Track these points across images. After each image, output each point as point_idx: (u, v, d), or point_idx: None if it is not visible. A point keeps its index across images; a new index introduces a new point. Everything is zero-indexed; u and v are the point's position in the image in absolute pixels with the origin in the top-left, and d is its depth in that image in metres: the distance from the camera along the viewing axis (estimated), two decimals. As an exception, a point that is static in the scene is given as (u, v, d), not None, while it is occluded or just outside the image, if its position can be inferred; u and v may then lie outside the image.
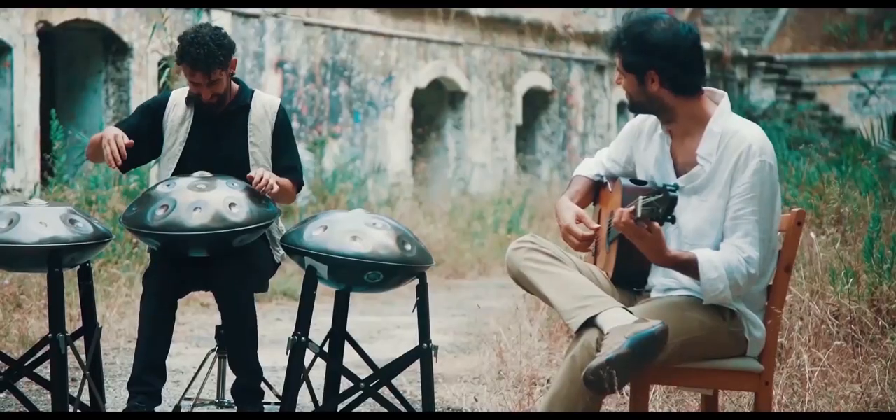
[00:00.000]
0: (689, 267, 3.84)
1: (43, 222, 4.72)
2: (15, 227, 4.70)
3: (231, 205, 4.78)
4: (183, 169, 5.08)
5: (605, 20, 20.77)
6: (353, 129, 15.85)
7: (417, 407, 5.50)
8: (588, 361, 3.70)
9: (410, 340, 8.10)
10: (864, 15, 24.24)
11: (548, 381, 5.99)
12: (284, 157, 5.22)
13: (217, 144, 5.15)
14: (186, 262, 4.94)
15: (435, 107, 17.94)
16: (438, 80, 17.37)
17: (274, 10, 14.54)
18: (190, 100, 5.19)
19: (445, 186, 17.20)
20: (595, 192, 4.33)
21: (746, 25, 25.15)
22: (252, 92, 5.24)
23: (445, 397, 6.08)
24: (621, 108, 21.08)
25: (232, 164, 5.08)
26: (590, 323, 3.78)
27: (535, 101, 19.43)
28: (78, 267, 4.98)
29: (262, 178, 4.91)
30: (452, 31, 17.34)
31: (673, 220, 3.68)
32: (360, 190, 14.38)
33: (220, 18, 13.42)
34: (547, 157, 19.57)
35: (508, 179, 18.01)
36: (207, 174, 4.95)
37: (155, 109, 5.23)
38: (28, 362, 4.94)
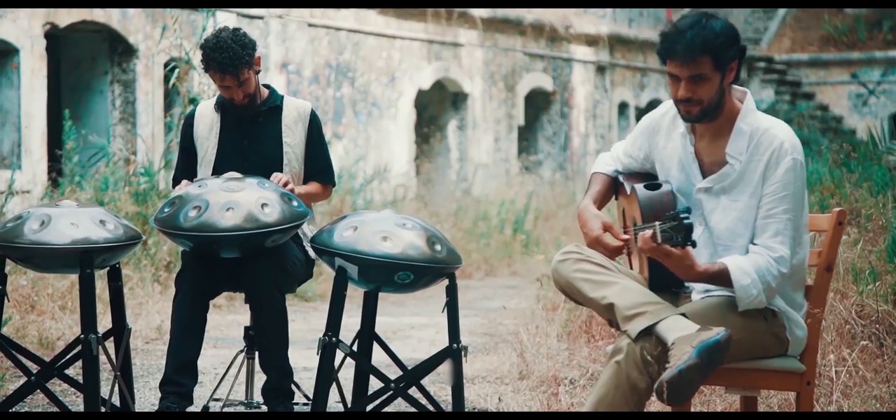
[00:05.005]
0: (720, 277, 3.85)
1: (74, 224, 4.72)
2: (47, 228, 4.70)
3: (263, 205, 4.78)
4: (219, 173, 5.12)
5: (606, 21, 20.79)
6: (356, 130, 15.85)
7: (444, 407, 5.50)
8: (633, 370, 3.73)
9: (428, 341, 8.14)
10: (863, 15, 24.29)
11: (571, 382, 6.00)
12: (318, 160, 5.34)
13: (250, 146, 5.20)
14: (218, 263, 4.95)
15: (438, 107, 17.95)
16: (441, 80, 17.38)
17: (278, 12, 14.54)
18: (218, 106, 5.27)
19: (449, 187, 17.21)
20: (615, 187, 4.31)
21: (745, 26, 25.18)
22: (282, 97, 5.32)
23: (469, 397, 6.08)
24: (622, 108, 21.10)
25: (266, 164, 5.16)
26: (647, 331, 3.78)
27: (537, 102, 19.44)
28: (107, 268, 4.98)
29: (282, 181, 5.04)
30: (455, 32, 17.35)
31: (694, 245, 3.70)
32: (364, 191, 14.38)
33: (226, 20, 13.41)
34: (549, 158, 19.58)
35: (511, 180, 18.02)
36: (238, 175, 4.96)
37: (185, 132, 5.37)
38: (59, 363, 4.93)
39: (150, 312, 8.53)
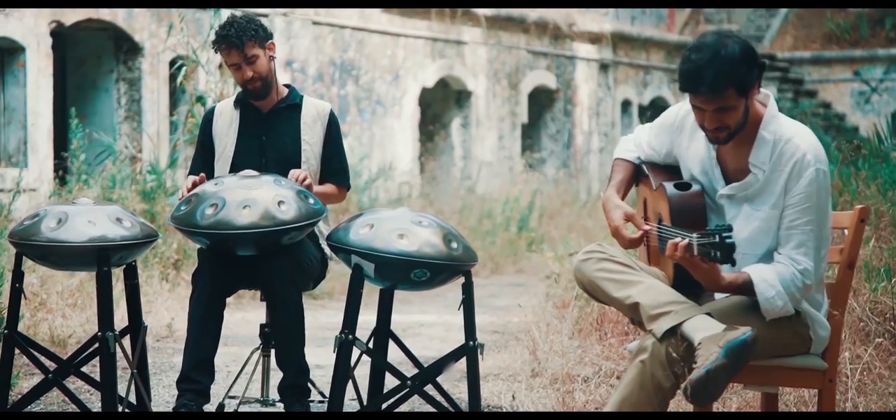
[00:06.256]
0: (744, 288, 3.84)
1: (91, 221, 4.72)
2: (64, 226, 4.69)
3: (280, 202, 4.78)
4: (236, 169, 5.13)
5: (609, 18, 20.79)
6: (360, 128, 15.85)
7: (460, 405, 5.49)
8: (658, 370, 3.72)
9: (439, 338, 8.15)
10: (865, 13, 24.29)
11: (584, 380, 5.99)
12: (334, 161, 5.36)
13: (268, 142, 5.21)
14: (235, 261, 4.95)
15: (441, 105, 17.95)
16: (445, 78, 17.38)
17: (283, 10, 14.53)
18: (237, 103, 5.29)
19: (453, 185, 17.21)
20: (636, 174, 4.30)
21: (748, 24, 25.19)
22: (302, 96, 5.35)
23: (482, 394, 6.06)
24: (625, 106, 21.10)
25: (284, 161, 5.17)
26: (673, 330, 3.77)
27: (541, 100, 19.45)
28: (124, 266, 4.98)
29: (301, 177, 5.04)
30: (458, 30, 17.35)
31: (733, 263, 3.67)
32: (369, 189, 14.38)
33: (231, 17, 13.40)
34: (552, 156, 19.58)
35: (515, 178, 18.03)
36: (254, 173, 4.96)
37: (204, 130, 5.40)
38: (76, 360, 4.93)
39: (159, 310, 8.53)
